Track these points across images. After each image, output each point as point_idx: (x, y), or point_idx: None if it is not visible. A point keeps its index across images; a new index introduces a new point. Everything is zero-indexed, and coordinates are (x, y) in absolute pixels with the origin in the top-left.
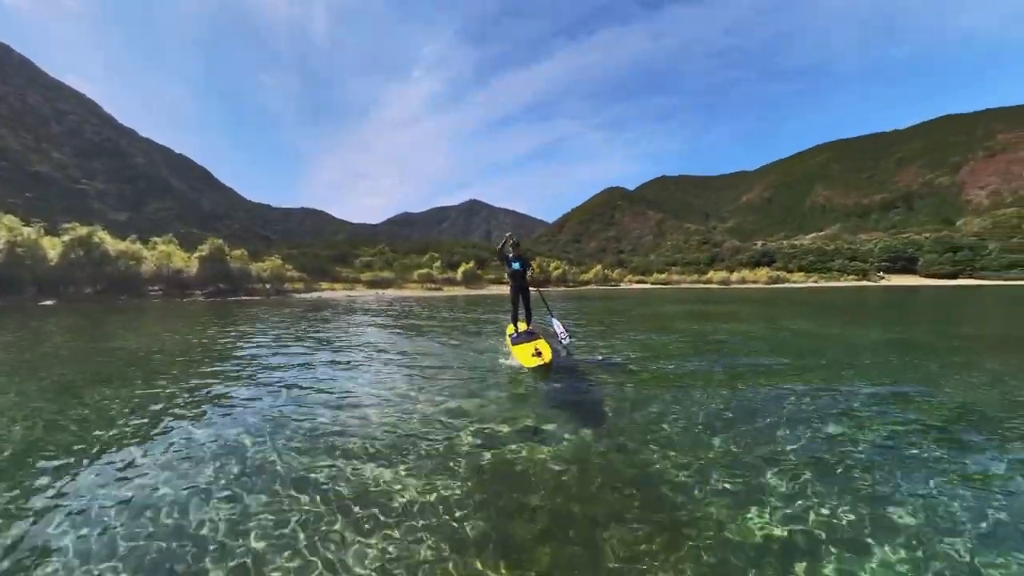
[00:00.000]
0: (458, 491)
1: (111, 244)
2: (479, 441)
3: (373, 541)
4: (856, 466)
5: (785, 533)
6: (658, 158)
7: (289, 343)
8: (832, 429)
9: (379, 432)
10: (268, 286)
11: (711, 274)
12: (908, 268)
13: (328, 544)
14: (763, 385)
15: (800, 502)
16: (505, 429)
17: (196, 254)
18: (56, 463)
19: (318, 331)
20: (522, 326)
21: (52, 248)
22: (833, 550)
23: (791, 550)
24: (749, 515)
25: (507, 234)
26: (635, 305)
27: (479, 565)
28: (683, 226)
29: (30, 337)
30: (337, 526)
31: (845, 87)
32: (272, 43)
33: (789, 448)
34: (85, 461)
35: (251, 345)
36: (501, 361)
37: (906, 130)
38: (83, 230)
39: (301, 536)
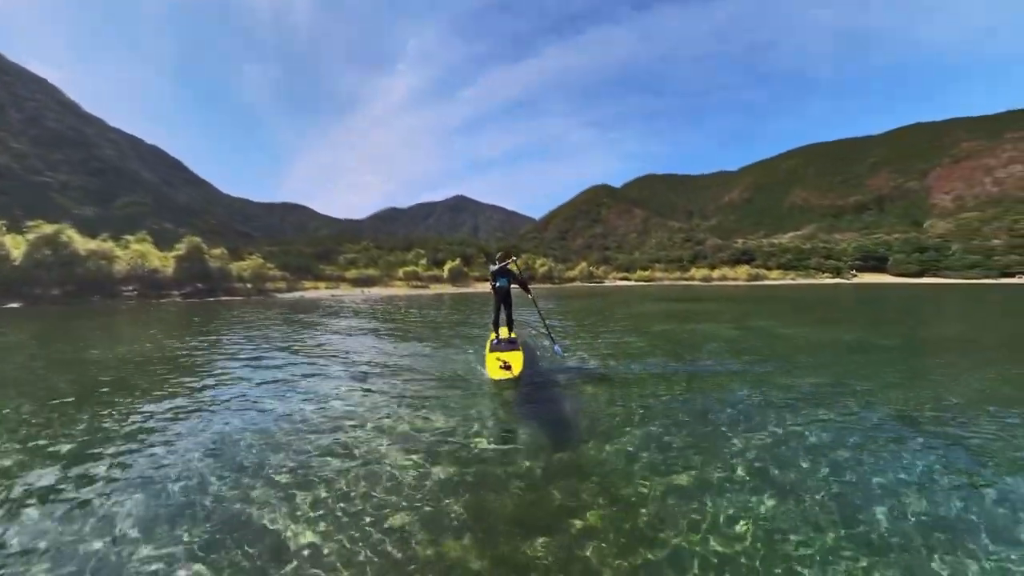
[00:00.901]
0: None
1: (80, 243)
2: (450, 472)
3: None
4: (805, 458)
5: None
6: (644, 157)
7: (265, 352)
8: (777, 429)
9: (337, 463)
10: (249, 286)
11: (693, 271)
12: (878, 267)
13: None
14: (726, 387)
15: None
16: (476, 449)
17: (173, 253)
18: None
19: (298, 336)
20: (504, 332)
21: (16, 248)
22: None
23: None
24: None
25: (498, 254)
26: (616, 304)
27: None
28: (667, 224)
29: None
30: None
31: (821, 94)
32: (254, 31)
33: (737, 447)
34: None
35: (222, 357)
36: (481, 369)
37: (878, 136)
38: (49, 228)
39: None
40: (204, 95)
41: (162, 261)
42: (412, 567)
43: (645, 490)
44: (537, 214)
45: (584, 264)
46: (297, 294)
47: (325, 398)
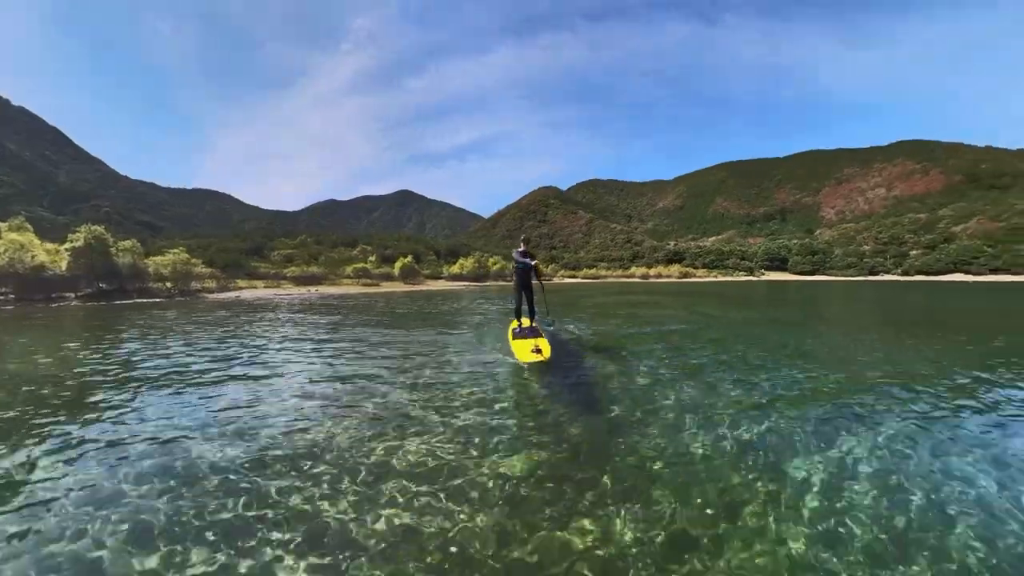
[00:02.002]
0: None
1: None
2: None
3: None
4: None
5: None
6: (589, 161)
7: (189, 370)
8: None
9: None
10: (170, 286)
11: (633, 269)
12: (781, 267)
13: None
14: (685, 346)
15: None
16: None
17: (67, 245)
18: None
19: (236, 345)
20: (525, 322)
21: None
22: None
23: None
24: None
25: (522, 236)
26: (577, 298)
27: None
28: (609, 226)
29: None
30: None
31: (742, 118)
32: None
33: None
34: None
35: (115, 394)
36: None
37: (784, 158)
38: None
39: None
40: (97, 48)
41: (51, 256)
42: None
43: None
44: (486, 212)
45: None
46: (231, 294)
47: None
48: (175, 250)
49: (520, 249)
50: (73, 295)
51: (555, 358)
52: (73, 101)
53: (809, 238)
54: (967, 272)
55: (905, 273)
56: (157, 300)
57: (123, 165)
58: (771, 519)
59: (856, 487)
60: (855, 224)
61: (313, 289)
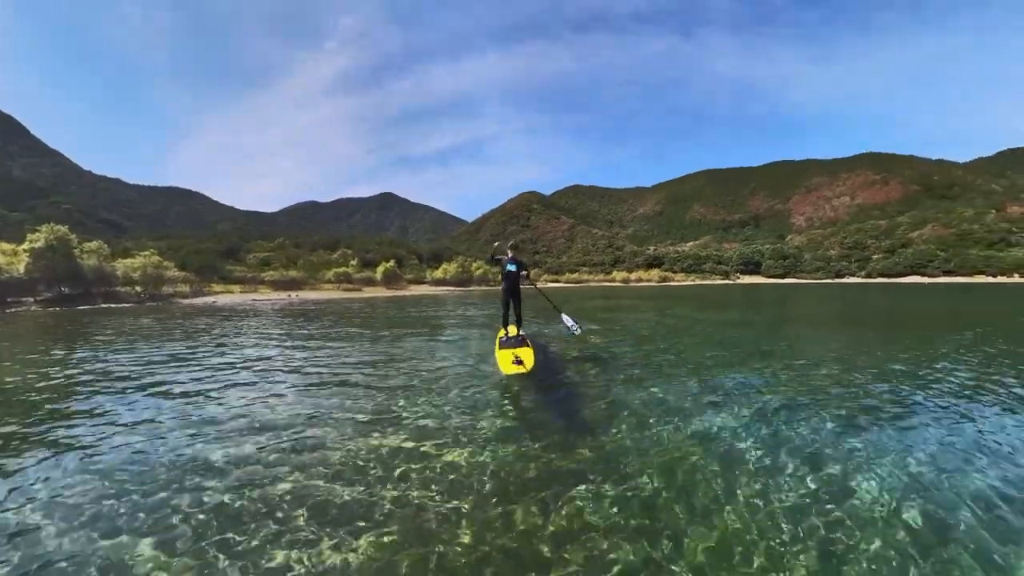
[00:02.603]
0: None
1: None
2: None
3: None
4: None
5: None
6: (572, 167)
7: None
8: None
9: None
10: (139, 290)
11: (615, 274)
12: (755, 270)
13: None
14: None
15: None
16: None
17: (25, 245)
18: None
19: (224, 353)
20: (512, 330)
21: None
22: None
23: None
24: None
25: (510, 243)
26: (561, 303)
27: None
28: (591, 231)
29: None
30: None
31: (719, 128)
32: None
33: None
34: None
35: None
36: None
37: (756, 167)
38: None
39: None
40: (58, 33)
41: (7, 258)
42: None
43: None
44: (470, 216)
45: None
46: (207, 299)
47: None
48: (146, 252)
49: (509, 256)
50: (32, 300)
51: (538, 368)
52: (28, 88)
53: (781, 243)
54: (923, 274)
55: (868, 276)
56: (126, 305)
57: (86, 159)
58: (719, 493)
59: (786, 467)
60: (823, 230)
61: (294, 294)
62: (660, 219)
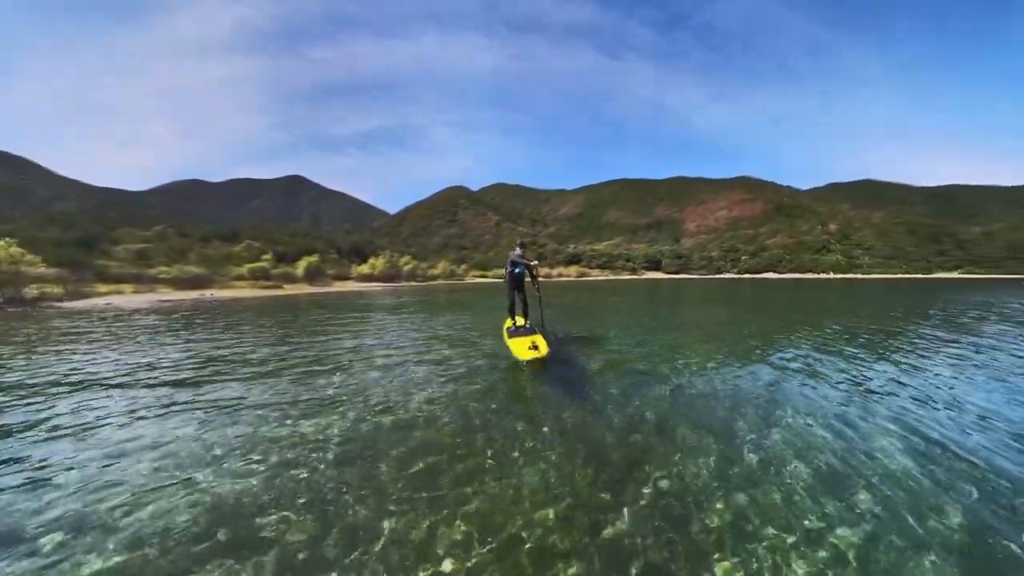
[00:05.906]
0: None
1: None
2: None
3: None
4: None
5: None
6: (500, 165)
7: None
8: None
9: None
10: None
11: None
12: (656, 267)
13: None
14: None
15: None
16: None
17: None
18: None
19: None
20: (520, 320)
21: None
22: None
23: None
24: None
25: (517, 241)
26: (498, 295)
27: None
28: (516, 228)
29: None
30: None
31: (633, 143)
32: None
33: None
34: None
35: None
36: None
37: (661, 180)
38: None
39: None
40: None
41: None
42: None
43: None
44: (392, 207)
45: (446, 263)
46: (95, 301)
47: None
48: (2, 242)
49: (517, 252)
50: None
51: (552, 354)
52: None
53: (676, 245)
54: (776, 271)
55: (739, 272)
56: None
57: None
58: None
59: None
60: (707, 236)
61: (207, 293)
62: (580, 220)
